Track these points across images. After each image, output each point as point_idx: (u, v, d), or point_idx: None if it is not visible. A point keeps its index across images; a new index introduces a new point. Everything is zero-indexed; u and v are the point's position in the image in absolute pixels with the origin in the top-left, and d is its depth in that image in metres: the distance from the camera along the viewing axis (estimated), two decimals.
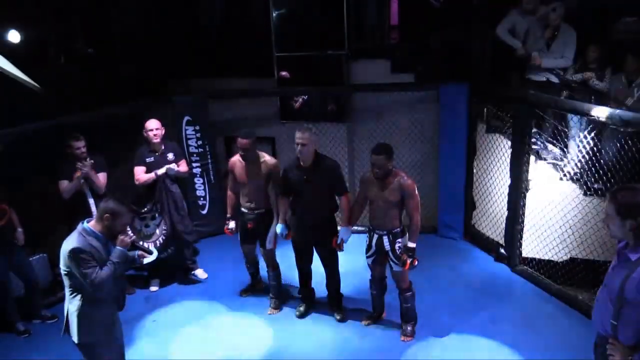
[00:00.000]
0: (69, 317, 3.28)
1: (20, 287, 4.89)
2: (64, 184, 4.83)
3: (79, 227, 3.23)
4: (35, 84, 4.33)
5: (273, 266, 4.94)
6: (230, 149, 6.92)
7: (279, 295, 5.03)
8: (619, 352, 2.58)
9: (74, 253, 3.10)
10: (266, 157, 4.69)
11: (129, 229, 3.36)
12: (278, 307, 5.00)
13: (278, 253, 5.01)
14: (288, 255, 4.86)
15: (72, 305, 3.26)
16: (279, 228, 4.64)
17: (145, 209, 5.23)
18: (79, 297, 3.23)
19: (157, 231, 5.29)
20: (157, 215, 5.26)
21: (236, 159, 4.74)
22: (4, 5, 5.42)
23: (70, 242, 3.15)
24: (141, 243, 5.05)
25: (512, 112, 5.31)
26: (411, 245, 4.16)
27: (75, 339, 3.27)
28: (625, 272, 2.54)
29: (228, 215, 4.96)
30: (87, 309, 3.24)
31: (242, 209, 4.82)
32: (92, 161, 4.88)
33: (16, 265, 4.74)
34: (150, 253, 3.56)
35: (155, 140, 5.16)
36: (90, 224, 3.24)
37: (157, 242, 5.25)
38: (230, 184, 4.89)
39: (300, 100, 6.48)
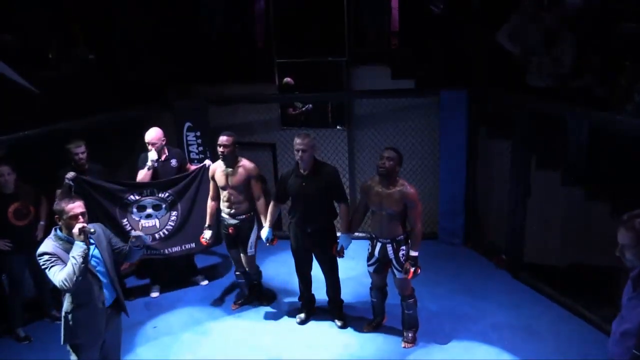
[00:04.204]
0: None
1: (31, 290, 4.85)
2: (58, 192, 4.71)
3: (51, 233, 3.29)
4: (33, 88, 4.33)
5: (253, 270, 5.00)
6: None
7: (261, 293, 5.12)
8: None
9: (38, 257, 3.17)
10: (245, 162, 4.69)
11: (81, 217, 3.25)
12: (245, 303, 5.10)
13: (278, 259, 4.99)
14: (288, 262, 4.84)
15: (63, 307, 3.32)
16: (264, 233, 4.63)
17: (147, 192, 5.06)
18: (67, 299, 3.28)
19: (158, 223, 5.14)
20: (163, 207, 5.12)
21: (217, 164, 4.76)
22: (5, 10, 5.43)
23: (39, 248, 3.22)
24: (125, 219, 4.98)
25: (512, 117, 5.31)
26: (413, 254, 4.15)
27: (61, 339, 3.32)
28: None
29: (206, 225, 4.89)
30: (73, 311, 3.28)
31: (223, 215, 4.82)
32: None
33: (33, 263, 4.68)
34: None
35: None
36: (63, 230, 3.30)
37: (157, 235, 5.13)
38: (211, 192, 4.87)
39: (303, 109, 6.52)
